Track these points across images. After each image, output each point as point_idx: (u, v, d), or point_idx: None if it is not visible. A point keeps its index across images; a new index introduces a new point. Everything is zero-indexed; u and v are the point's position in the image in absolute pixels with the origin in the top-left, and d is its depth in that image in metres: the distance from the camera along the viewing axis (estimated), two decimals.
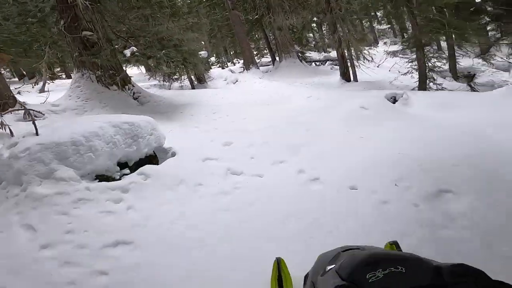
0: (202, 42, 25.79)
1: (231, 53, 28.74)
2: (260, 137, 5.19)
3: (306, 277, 1.18)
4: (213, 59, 27.60)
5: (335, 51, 23.29)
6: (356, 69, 9.83)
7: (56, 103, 7.95)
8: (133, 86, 8.82)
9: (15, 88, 14.52)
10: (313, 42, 23.24)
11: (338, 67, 17.67)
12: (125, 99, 8.24)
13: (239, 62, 24.55)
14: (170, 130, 5.66)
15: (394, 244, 1.87)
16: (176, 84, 14.30)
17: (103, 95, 8.06)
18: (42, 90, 12.96)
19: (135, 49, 6.92)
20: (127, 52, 6.88)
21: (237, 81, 13.41)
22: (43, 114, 6.95)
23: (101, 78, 8.19)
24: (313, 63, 18.49)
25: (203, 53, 20.20)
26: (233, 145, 4.99)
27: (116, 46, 7.17)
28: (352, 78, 9.96)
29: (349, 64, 9.86)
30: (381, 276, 0.74)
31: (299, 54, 17.32)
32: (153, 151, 4.47)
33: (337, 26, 9.80)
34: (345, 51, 9.79)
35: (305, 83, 11.20)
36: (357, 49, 9.56)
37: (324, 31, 22.94)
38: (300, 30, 15.83)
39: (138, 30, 7.73)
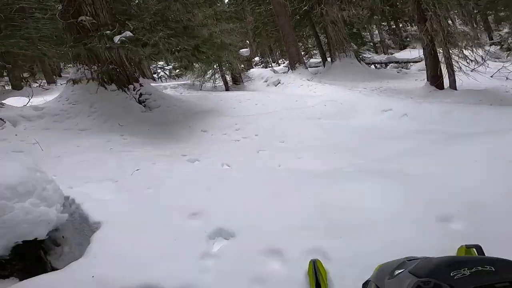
0: (247, 41, 23.76)
1: (277, 53, 26.21)
2: (324, 213, 2.36)
3: (365, 284, 1.13)
4: (257, 58, 25.31)
5: (399, 52, 19.58)
6: (455, 72, 6.60)
7: (41, 106, 5.97)
8: (140, 85, 6.60)
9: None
10: (367, 41, 19.77)
11: (406, 70, 14.23)
12: (126, 102, 6.02)
13: (284, 63, 21.92)
14: (137, 170, 3.17)
15: (474, 248, 1.48)
16: (209, 85, 12.02)
17: (96, 97, 5.92)
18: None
19: (129, 34, 4.62)
20: (116, 39, 4.60)
21: (279, 83, 10.75)
22: (4, 122, 4.94)
23: (97, 74, 6.08)
24: (372, 65, 15.21)
25: (244, 51, 17.94)
26: (253, 238, 2.22)
27: (107, 32, 4.94)
28: (446, 85, 6.81)
29: (441, 66, 6.68)
30: (468, 274, 0.65)
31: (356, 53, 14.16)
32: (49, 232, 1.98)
33: (426, 13, 6.68)
34: (438, 47, 6.63)
35: (369, 88, 8.21)
36: (460, 46, 6.37)
37: (385, 27, 19.40)
38: (364, 22, 12.66)
39: (138, 10, 5.44)
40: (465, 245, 1.54)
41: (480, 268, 0.66)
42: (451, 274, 0.66)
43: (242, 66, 14.26)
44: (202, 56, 5.26)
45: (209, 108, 6.44)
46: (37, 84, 14.53)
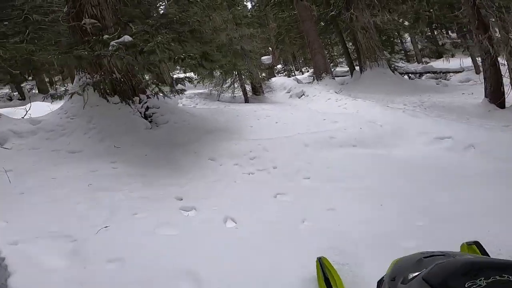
0: (270, 48, 22.94)
1: (300, 60, 25.22)
2: None
3: (379, 283, 1.04)
4: (279, 66, 24.45)
5: (435, 61, 17.95)
6: None
7: (39, 119, 5.32)
8: (148, 97, 5.81)
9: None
10: (398, 49, 18.25)
11: (446, 81, 12.76)
12: (128, 118, 5.23)
13: (308, 71, 20.89)
14: (105, 227, 2.28)
15: (475, 245, 1.48)
16: (227, 95, 11.17)
17: (96, 110, 5.18)
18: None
19: (128, 39, 3.80)
20: (114, 44, 3.79)
21: (303, 94, 9.73)
22: None
23: (99, 85, 5.34)
24: (405, 76, 13.85)
25: (265, 58, 17.04)
26: None
27: (106, 37, 4.17)
28: (507, 103, 5.54)
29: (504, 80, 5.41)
30: (484, 285, 0.59)
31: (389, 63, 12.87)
32: None
33: (485, 18, 5.47)
34: (503, 58, 5.37)
35: (410, 104, 7.01)
36: None
37: (420, 34, 17.83)
38: (407, 28, 11.36)
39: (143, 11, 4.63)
40: (466, 242, 1.45)
41: (498, 277, 0.60)
42: (466, 285, 0.60)
43: (263, 75, 13.37)
44: (211, 65, 4.36)
45: (223, 126, 5.52)
46: (64, 88, 14.36)
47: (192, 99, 9.73)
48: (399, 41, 18.96)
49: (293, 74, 21.39)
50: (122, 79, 5.45)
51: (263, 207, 2.82)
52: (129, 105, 5.45)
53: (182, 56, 3.59)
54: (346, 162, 3.86)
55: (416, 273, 0.76)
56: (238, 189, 3.22)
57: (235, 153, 4.06)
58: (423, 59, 17.78)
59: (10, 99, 13.47)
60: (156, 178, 3.40)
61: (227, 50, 7.93)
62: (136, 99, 5.60)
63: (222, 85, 10.59)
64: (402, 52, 18.40)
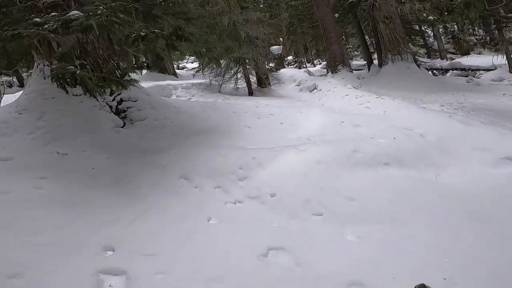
0: (281, 39, 21.49)
1: (312, 52, 23.71)
2: None
3: None
4: (290, 58, 23.02)
5: (461, 58, 16.25)
6: None
7: None
8: (122, 87, 4.62)
9: None
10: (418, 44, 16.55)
11: (477, 80, 11.23)
12: (91, 114, 4.07)
13: (320, 63, 19.43)
14: None
15: None
16: (231, 86, 9.89)
17: (51, 104, 4.03)
18: None
19: (76, 14, 2.61)
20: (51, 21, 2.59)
21: (315, 88, 8.42)
22: None
23: (58, 73, 4.17)
24: (428, 72, 12.35)
25: (275, 48, 15.66)
26: None
27: (53, 14, 2.98)
28: None
29: None
30: None
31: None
32: None
33: None
34: None
35: (446, 105, 5.66)
36: None
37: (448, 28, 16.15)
38: (461, 11, 9.79)
39: None
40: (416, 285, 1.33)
41: None
42: None
43: (271, 65, 12.04)
44: (189, 46, 3.14)
45: (213, 125, 4.32)
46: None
47: (189, 90, 8.53)
48: (421, 35, 17.27)
49: (304, 66, 20.02)
50: (88, 65, 4.26)
51: (247, 278, 1.63)
52: (95, 97, 4.28)
53: (143, 33, 2.38)
54: (376, 191, 2.63)
55: None
56: (210, 237, 2.03)
57: (219, 169, 2.86)
58: (448, 55, 16.10)
59: (10, 86, 12.68)
60: (90, 208, 2.24)
61: (227, 34, 6.67)
62: (107, 90, 4.41)
63: (223, 75, 9.32)
64: (423, 46, 16.77)
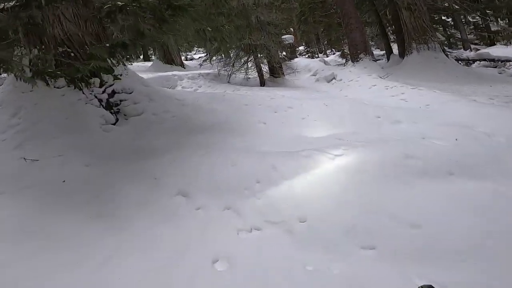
0: (291, 29, 20.47)
1: (324, 42, 22.63)
2: None
3: None
4: (301, 48, 22.04)
5: (486, 48, 15.06)
6: None
7: None
8: (115, 78, 3.90)
9: None
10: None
11: (509, 71, 10.19)
12: (75, 109, 3.36)
13: (334, 54, 18.42)
14: None
15: None
16: (240, 76, 9.10)
17: (29, 98, 3.34)
18: None
19: None
20: None
21: (333, 78, 7.59)
22: None
23: (38, 63, 3.48)
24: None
25: (287, 37, 14.74)
26: None
27: None
28: None
29: None
30: None
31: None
32: None
33: None
34: None
35: (492, 96, 4.79)
36: None
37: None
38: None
39: None
40: (420, 286, 1.26)
41: None
42: None
43: (284, 53, 11.18)
44: (191, 24, 2.38)
45: (221, 120, 3.58)
46: None
47: (195, 80, 7.79)
48: (443, 24, 16.05)
49: (316, 56, 19.07)
50: (73, 53, 3.54)
51: None
52: (81, 89, 3.57)
53: (120, 2, 1.64)
54: (448, 213, 1.87)
55: None
56: None
57: (228, 183, 2.12)
58: (472, 46, 14.89)
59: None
60: (49, 241, 1.55)
61: (237, 13, 5.88)
62: (96, 80, 3.69)
63: (233, 64, 8.53)
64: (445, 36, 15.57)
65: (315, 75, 8.54)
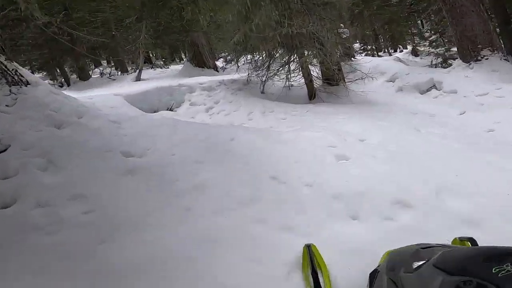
0: (341, 25, 17.18)
1: (386, 37, 18.92)
2: None
3: (373, 274, 0.97)
4: (356, 45, 18.62)
5: None
6: None
7: None
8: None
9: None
10: None
11: None
12: None
13: (402, 51, 14.83)
14: None
15: (469, 241, 1.23)
16: (278, 84, 6.33)
17: None
18: (138, 78, 8.06)
19: None
20: None
21: (433, 87, 4.46)
22: None
23: None
24: None
25: (344, 31, 11.53)
26: None
27: None
28: None
29: None
30: None
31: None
32: None
33: None
34: None
35: None
36: None
37: None
38: None
39: None
40: (459, 237, 1.30)
41: None
42: (493, 271, 0.53)
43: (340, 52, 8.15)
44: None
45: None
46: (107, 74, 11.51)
47: (212, 92, 5.24)
48: None
49: (376, 55, 15.77)
50: None
51: None
52: None
53: None
54: None
55: (421, 262, 0.71)
56: None
57: None
58: None
59: (61, 86, 11.41)
60: None
61: None
62: None
63: (268, 67, 5.81)
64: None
65: (392, 81, 5.47)
